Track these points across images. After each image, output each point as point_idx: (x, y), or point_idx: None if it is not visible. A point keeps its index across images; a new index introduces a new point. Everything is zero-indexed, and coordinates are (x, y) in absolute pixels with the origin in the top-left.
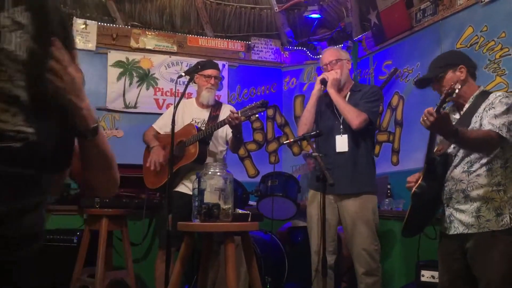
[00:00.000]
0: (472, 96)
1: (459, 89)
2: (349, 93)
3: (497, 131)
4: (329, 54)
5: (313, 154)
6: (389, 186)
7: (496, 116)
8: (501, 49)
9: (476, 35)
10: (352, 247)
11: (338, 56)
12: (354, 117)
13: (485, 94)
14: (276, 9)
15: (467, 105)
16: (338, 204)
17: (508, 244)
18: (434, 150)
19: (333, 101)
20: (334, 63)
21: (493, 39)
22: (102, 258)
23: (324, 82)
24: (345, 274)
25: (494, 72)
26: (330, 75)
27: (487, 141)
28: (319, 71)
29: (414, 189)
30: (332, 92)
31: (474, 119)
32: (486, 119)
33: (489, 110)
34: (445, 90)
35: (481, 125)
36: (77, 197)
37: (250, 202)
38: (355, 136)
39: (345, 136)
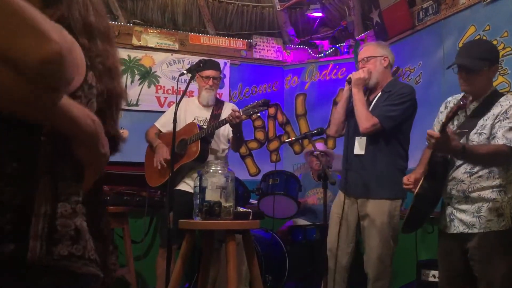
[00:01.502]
0: (482, 96)
1: (470, 101)
2: (380, 93)
3: (511, 145)
4: (364, 51)
5: (315, 152)
6: None
7: (511, 129)
8: (504, 48)
9: (479, 34)
10: (365, 249)
11: (372, 53)
12: (363, 120)
13: (495, 96)
14: (278, 8)
15: (476, 104)
16: (358, 205)
17: (508, 245)
18: None
19: (353, 101)
20: (365, 61)
21: (495, 39)
22: None
23: (350, 81)
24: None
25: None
26: (355, 75)
27: (497, 157)
28: (321, 69)
29: (417, 190)
30: (354, 92)
31: (481, 122)
32: (501, 131)
33: (503, 120)
34: (457, 105)
35: (491, 134)
36: None
37: (251, 201)
38: (376, 139)
39: (364, 139)
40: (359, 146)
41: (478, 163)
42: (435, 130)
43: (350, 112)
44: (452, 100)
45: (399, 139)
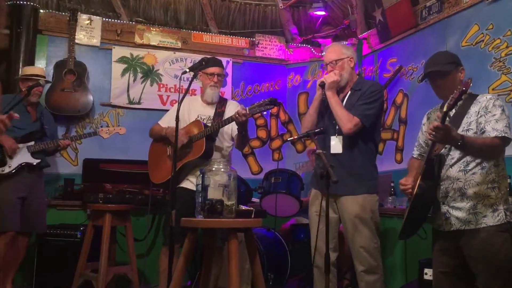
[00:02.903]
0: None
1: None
2: (349, 92)
3: (502, 134)
4: (330, 53)
5: (317, 151)
6: (392, 184)
7: (497, 121)
8: (507, 47)
9: (482, 33)
10: (351, 245)
11: (339, 56)
12: (345, 122)
13: (472, 97)
14: (281, 6)
15: (456, 107)
16: (337, 203)
17: (504, 239)
18: None
19: (329, 104)
20: (334, 64)
21: (498, 37)
22: (105, 253)
23: (323, 85)
24: (347, 272)
25: (500, 70)
26: (329, 78)
27: (492, 149)
28: (323, 68)
29: (415, 190)
30: (329, 95)
31: (465, 120)
32: (489, 125)
33: (486, 114)
34: (460, 90)
35: (480, 129)
36: (81, 193)
37: (253, 199)
38: (351, 138)
39: (340, 138)
40: (337, 145)
41: (475, 154)
42: (420, 142)
43: (322, 113)
44: (432, 111)
45: (373, 136)
